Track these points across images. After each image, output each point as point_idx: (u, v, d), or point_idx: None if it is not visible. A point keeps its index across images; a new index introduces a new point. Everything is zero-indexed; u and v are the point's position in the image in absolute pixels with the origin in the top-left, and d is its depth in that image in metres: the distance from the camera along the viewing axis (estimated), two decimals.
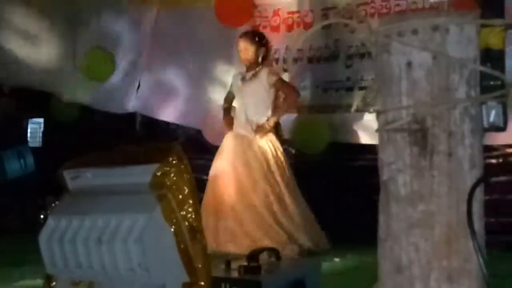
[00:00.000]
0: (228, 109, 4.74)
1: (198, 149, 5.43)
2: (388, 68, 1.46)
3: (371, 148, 4.81)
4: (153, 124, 6.18)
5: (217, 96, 5.65)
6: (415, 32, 1.41)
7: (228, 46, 5.65)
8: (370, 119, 4.83)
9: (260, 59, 4.54)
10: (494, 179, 4.29)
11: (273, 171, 4.37)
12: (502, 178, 4.31)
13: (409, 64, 1.43)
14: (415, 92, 1.43)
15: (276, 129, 4.54)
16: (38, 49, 5.96)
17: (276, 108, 4.54)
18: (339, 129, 5.13)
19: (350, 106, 5.01)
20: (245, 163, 4.37)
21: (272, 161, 4.38)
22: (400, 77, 1.44)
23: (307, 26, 5.35)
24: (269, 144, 4.44)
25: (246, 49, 4.54)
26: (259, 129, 4.44)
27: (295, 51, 5.39)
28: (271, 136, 4.48)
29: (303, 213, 4.37)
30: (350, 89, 5.13)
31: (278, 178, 4.37)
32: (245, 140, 4.44)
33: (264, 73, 4.50)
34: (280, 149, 4.48)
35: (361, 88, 4.94)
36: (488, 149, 4.16)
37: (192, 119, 5.88)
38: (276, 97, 4.57)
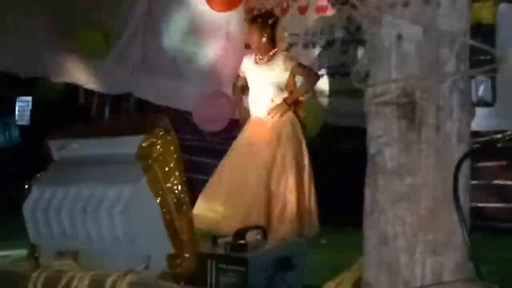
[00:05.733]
0: (240, 98, 4.75)
1: (189, 130, 5.43)
2: (378, 41, 1.45)
3: (363, 132, 4.81)
4: (146, 106, 6.14)
5: (210, 78, 5.66)
6: (406, 4, 1.40)
7: (222, 29, 5.62)
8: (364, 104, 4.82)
9: (264, 39, 4.51)
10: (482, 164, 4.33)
11: (285, 150, 4.39)
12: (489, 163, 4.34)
13: (399, 37, 1.42)
14: (405, 65, 1.42)
15: (295, 108, 4.55)
16: (26, 32, 5.87)
17: (292, 92, 4.55)
18: (332, 113, 5.14)
19: (344, 91, 5.01)
20: (262, 145, 4.39)
21: (284, 141, 4.40)
22: (390, 50, 1.44)
23: (302, 9, 5.33)
24: (286, 122, 4.45)
25: (257, 33, 4.53)
26: (275, 109, 4.43)
27: (290, 36, 5.38)
28: (291, 117, 4.49)
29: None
30: (345, 75, 5.13)
31: (287, 159, 4.38)
32: (261, 124, 4.45)
33: (280, 59, 4.50)
34: (297, 126, 4.48)
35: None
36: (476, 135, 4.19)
37: (184, 102, 5.86)
38: (289, 81, 4.57)
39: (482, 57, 1.40)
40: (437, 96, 1.41)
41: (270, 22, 4.61)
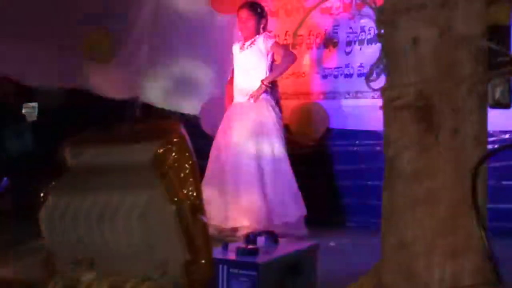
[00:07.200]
0: (230, 80, 4.79)
1: (196, 135, 5.42)
2: (394, 44, 1.45)
3: (368, 134, 4.83)
4: (153, 110, 6.15)
5: (217, 82, 5.67)
6: (423, 7, 1.40)
7: (227, 32, 5.64)
8: (368, 105, 4.85)
9: (260, 30, 4.59)
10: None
11: (268, 137, 4.42)
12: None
13: (415, 40, 1.42)
14: (422, 68, 1.42)
15: (272, 90, 4.58)
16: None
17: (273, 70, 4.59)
18: (337, 115, 5.14)
19: (349, 93, 5.04)
20: (242, 130, 4.42)
21: (268, 127, 4.43)
22: (407, 53, 1.43)
23: (307, 11, 5.33)
24: (268, 110, 4.48)
25: (247, 20, 4.58)
26: (255, 92, 4.47)
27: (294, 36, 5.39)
28: (271, 101, 4.52)
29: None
30: (349, 76, 5.13)
31: (270, 147, 4.41)
32: (244, 107, 4.49)
33: (260, 39, 4.56)
34: (279, 115, 4.51)
35: (360, 75, 4.96)
36: None
37: (191, 107, 5.87)
38: (272, 62, 4.62)
39: (499, 59, 1.40)
40: (454, 99, 1.40)
41: (265, 14, 4.69)
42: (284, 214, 4.28)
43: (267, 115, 4.48)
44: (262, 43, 4.55)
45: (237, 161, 4.39)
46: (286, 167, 4.40)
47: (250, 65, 4.57)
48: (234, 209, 4.29)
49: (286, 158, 4.42)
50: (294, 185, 4.37)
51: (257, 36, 4.59)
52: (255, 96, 4.47)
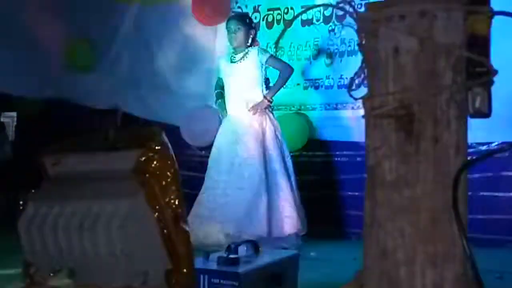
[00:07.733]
0: (220, 94, 4.80)
1: (177, 145, 5.40)
2: (374, 54, 1.46)
3: (348, 145, 4.88)
4: (133, 120, 6.13)
5: (198, 93, 5.69)
6: (402, 17, 1.41)
7: (209, 42, 5.67)
8: (348, 116, 4.91)
9: (249, 40, 4.65)
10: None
11: (269, 149, 4.44)
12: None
13: (396, 49, 1.43)
14: (402, 77, 1.43)
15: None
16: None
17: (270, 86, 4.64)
18: (317, 126, 5.20)
19: (329, 104, 5.10)
20: (238, 142, 4.44)
21: (269, 139, 4.45)
22: (387, 62, 1.45)
23: (287, 23, 5.39)
24: (267, 122, 4.50)
25: (236, 31, 4.63)
26: (257, 106, 4.51)
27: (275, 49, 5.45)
28: (269, 114, 4.57)
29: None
30: (329, 87, 5.20)
31: (274, 156, 4.43)
32: (241, 120, 4.51)
33: (254, 52, 4.61)
34: (278, 128, 4.55)
35: (340, 87, 5.03)
36: None
37: (172, 117, 5.86)
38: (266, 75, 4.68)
39: (478, 69, 1.42)
40: (434, 108, 1.42)
41: (254, 25, 4.76)
42: (275, 231, 4.30)
43: (267, 127, 4.52)
44: (256, 56, 4.59)
45: (236, 174, 4.39)
46: (283, 181, 4.41)
47: (244, 78, 4.60)
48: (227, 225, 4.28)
49: (284, 173, 4.43)
50: (289, 201, 4.38)
51: (250, 48, 4.63)
52: (257, 110, 4.50)
